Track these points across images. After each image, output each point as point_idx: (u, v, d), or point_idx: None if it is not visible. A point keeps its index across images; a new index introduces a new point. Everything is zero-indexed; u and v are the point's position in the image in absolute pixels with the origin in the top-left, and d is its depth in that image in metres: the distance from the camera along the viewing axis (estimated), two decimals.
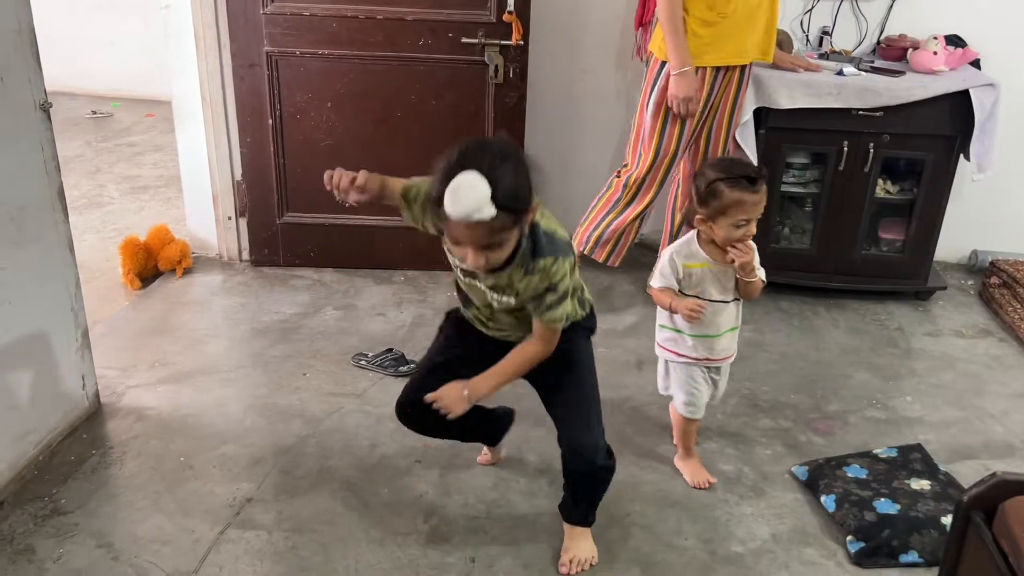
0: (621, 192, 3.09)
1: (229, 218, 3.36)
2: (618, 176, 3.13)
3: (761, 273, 2.13)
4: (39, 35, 2.09)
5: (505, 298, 1.81)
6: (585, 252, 3.20)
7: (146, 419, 2.45)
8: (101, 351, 2.61)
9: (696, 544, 2.08)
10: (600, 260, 3.21)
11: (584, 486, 1.99)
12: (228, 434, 2.40)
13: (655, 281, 2.19)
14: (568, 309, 1.81)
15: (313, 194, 3.30)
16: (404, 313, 3.15)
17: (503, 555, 2.02)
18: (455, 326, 2.07)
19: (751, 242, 2.07)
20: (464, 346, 2.01)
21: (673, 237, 3.23)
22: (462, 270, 1.84)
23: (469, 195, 1.52)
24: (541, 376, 1.95)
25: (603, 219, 3.15)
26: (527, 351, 1.85)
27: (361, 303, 3.21)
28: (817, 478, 2.26)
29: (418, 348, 2.87)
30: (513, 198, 1.58)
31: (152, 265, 3.27)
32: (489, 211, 1.54)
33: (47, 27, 2.13)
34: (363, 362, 2.79)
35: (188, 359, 2.76)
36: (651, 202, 3.08)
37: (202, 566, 1.94)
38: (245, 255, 3.42)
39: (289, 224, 3.35)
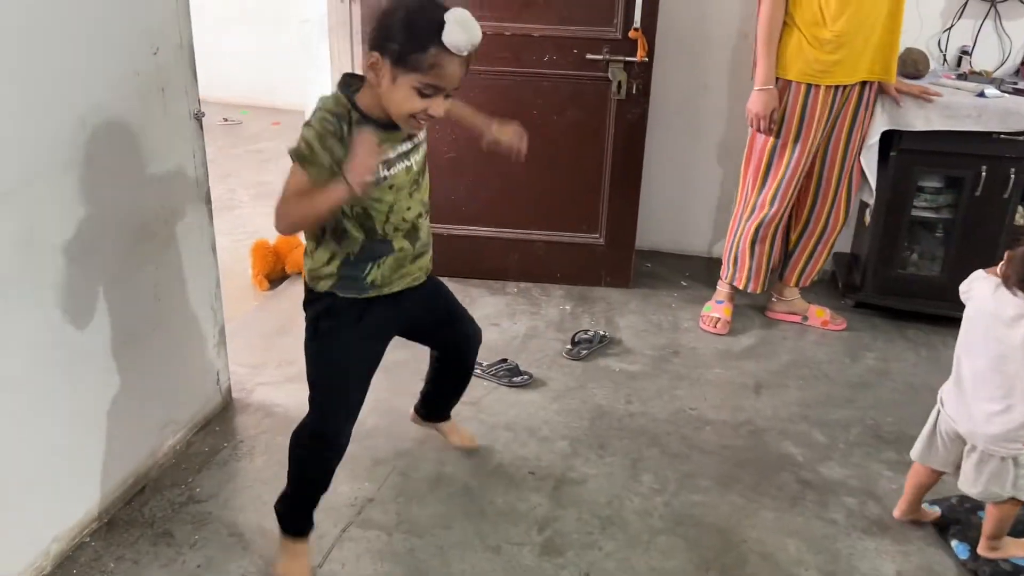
0: (740, 209, 3.07)
1: None
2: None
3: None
4: None
5: (421, 152, 1.84)
6: (729, 281, 3.19)
7: (274, 415, 2.56)
8: (232, 349, 2.73)
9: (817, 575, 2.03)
10: (741, 287, 3.16)
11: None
12: (354, 434, 2.47)
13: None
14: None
15: (434, 204, 3.38)
16: (518, 324, 3.18)
17: (617, 573, 2.01)
18: (355, 326, 1.85)
19: None
20: (377, 347, 1.98)
21: (785, 260, 3.18)
22: (386, 165, 1.72)
23: (473, 24, 1.60)
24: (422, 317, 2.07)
25: (732, 241, 3.14)
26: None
27: (476, 313, 3.21)
28: (949, 520, 2.16)
29: (531, 359, 2.91)
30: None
31: (280, 267, 3.42)
32: (479, 37, 1.61)
33: None
34: (478, 371, 2.83)
35: None
36: (770, 221, 3.00)
37: (326, 562, 2.01)
38: None
39: None
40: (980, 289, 1.94)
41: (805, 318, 3.21)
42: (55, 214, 1.83)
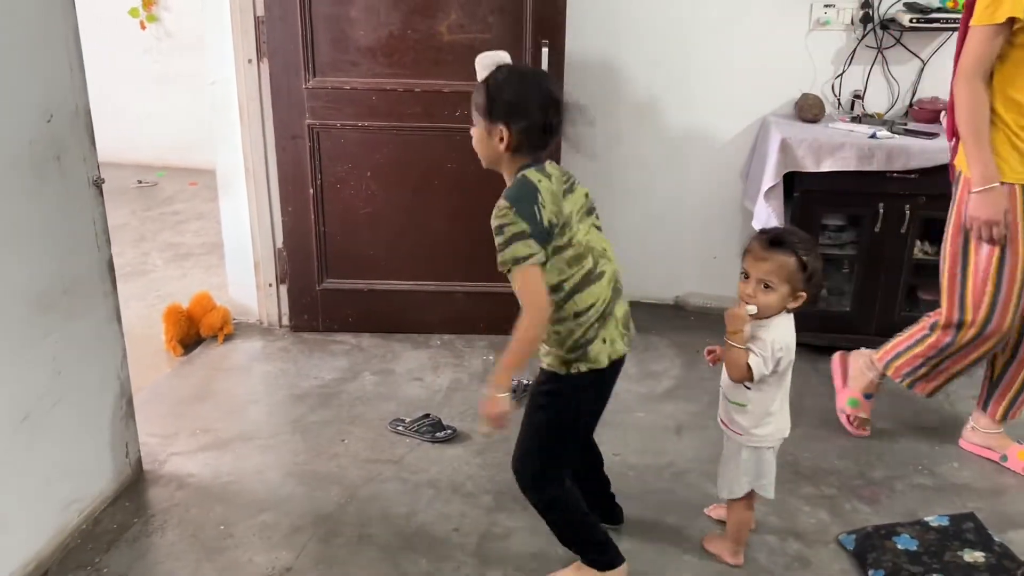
0: (952, 337, 2.51)
1: (270, 285, 3.43)
2: (930, 320, 2.62)
3: (753, 362, 1.98)
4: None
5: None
6: (901, 383, 2.71)
7: (187, 487, 2.47)
8: (144, 418, 2.64)
9: None
10: (923, 393, 2.70)
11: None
12: (267, 502, 2.41)
13: None
14: (516, 253, 1.80)
15: (352, 260, 3.38)
16: (441, 377, 3.16)
17: None
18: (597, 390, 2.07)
19: (741, 312, 1.99)
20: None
21: (990, 388, 2.70)
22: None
23: (491, 54, 1.86)
24: None
25: (928, 361, 2.61)
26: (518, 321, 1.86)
27: (399, 367, 3.23)
28: (865, 549, 2.20)
29: (454, 413, 2.88)
30: (496, 90, 1.82)
31: (194, 332, 3.34)
32: (487, 69, 1.85)
33: (93, 101, 2.21)
34: (400, 427, 2.80)
35: (229, 426, 2.79)
36: (999, 340, 2.49)
37: None
38: (285, 320, 3.47)
39: (328, 290, 3.40)
40: None
41: (1004, 457, 2.67)
42: None
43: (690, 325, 3.60)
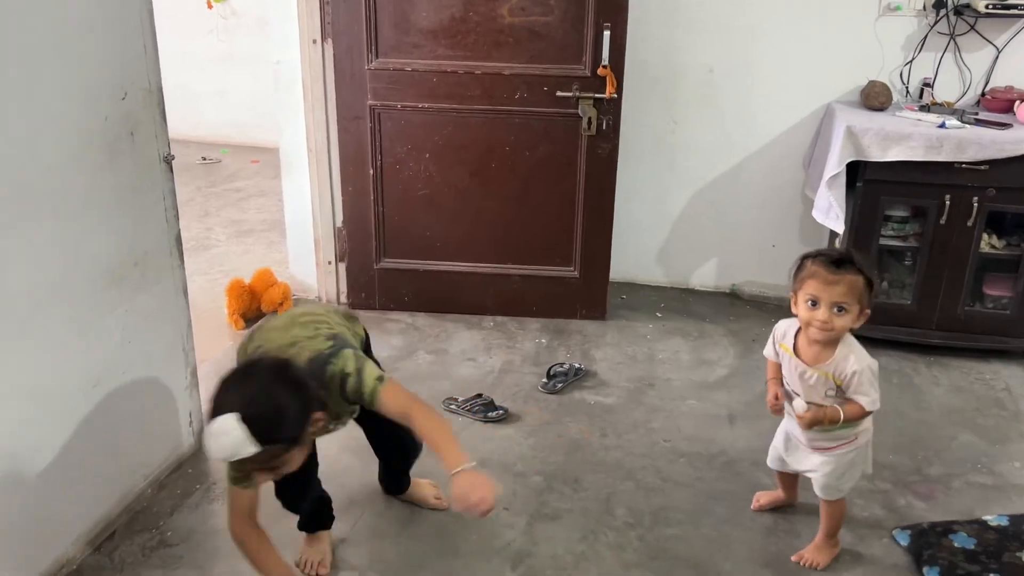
0: None
1: (329, 262, 3.49)
2: None
3: (869, 403, 1.96)
4: None
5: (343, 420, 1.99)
6: None
7: None
8: (206, 389, 2.72)
9: None
10: None
11: None
12: (323, 474, 2.45)
13: (765, 348, 2.16)
14: (372, 373, 1.79)
15: (409, 241, 3.42)
16: (493, 359, 3.19)
17: None
18: None
19: (814, 413, 1.96)
20: None
21: None
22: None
23: (223, 441, 1.57)
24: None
25: None
26: (422, 423, 1.81)
27: (452, 348, 3.27)
28: (921, 546, 2.17)
29: (507, 394, 2.91)
30: (275, 431, 1.61)
31: (256, 306, 3.42)
32: (250, 450, 1.57)
33: (164, 79, 2.27)
34: (453, 406, 2.84)
35: None
36: None
37: None
38: (343, 298, 3.54)
39: (386, 269, 3.46)
40: None
41: None
42: (23, 261, 1.83)
43: (746, 314, 3.57)
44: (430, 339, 3.32)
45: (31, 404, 1.90)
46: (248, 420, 1.56)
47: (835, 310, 1.90)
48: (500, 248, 3.41)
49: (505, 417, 2.79)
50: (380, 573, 2.10)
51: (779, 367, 2.10)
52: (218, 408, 1.60)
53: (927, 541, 2.18)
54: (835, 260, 1.91)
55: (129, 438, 2.26)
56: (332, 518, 2.20)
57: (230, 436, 1.56)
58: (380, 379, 1.79)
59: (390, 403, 1.78)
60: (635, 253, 3.74)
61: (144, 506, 2.30)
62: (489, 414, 2.78)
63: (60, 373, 1.98)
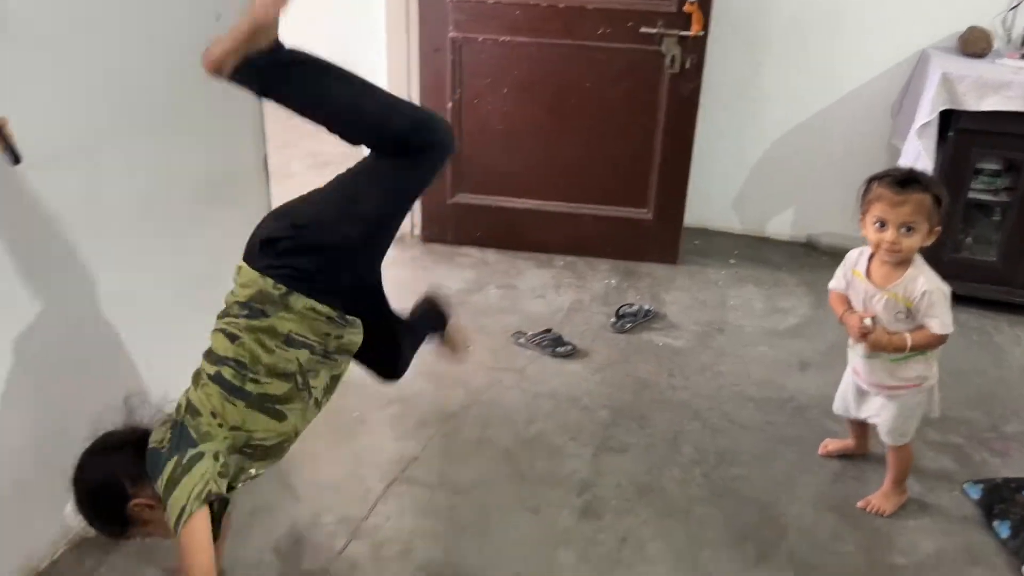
0: None
1: None
2: None
3: (940, 326, 1.95)
4: None
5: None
6: None
7: None
8: None
9: (855, 551, 2.03)
10: None
11: None
12: (397, 396, 2.54)
13: (832, 280, 2.13)
14: (181, 499, 1.48)
15: (484, 176, 3.43)
16: (562, 297, 3.21)
17: (654, 539, 2.04)
18: None
19: (879, 333, 1.95)
20: None
21: None
22: None
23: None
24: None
25: None
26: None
27: (522, 284, 3.30)
28: (992, 500, 2.14)
29: (575, 331, 2.94)
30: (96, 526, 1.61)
31: None
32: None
33: None
34: (522, 340, 2.87)
35: None
36: None
37: (371, 515, 2.08)
38: (416, 231, 3.59)
39: (459, 204, 3.48)
40: None
41: None
42: (120, 175, 1.91)
43: (821, 264, 3.49)
44: (500, 275, 3.36)
45: (123, 310, 1.98)
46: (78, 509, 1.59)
47: (903, 230, 1.89)
48: (574, 187, 3.41)
49: (573, 353, 2.81)
50: (449, 492, 2.17)
51: (845, 299, 2.08)
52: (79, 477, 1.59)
53: (999, 496, 2.15)
54: (900, 180, 1.89)
55: None
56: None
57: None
58: (183, 512, 1.46)
59: (181, 540, 1.47)
60: (710, 199, 3.69)
61: None
62: (557, 349, 2.81)
63: (154, 284, 2.06)
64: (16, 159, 1.61)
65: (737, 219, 3.78)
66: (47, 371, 1.83)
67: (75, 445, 1.59)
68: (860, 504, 2.17)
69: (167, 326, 2.13)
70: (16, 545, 1.84)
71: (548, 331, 2.90)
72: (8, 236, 1.68)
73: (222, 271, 2.29)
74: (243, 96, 2.28)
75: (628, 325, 2.98)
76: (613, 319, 3.01)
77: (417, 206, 3.54)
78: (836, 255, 3.56)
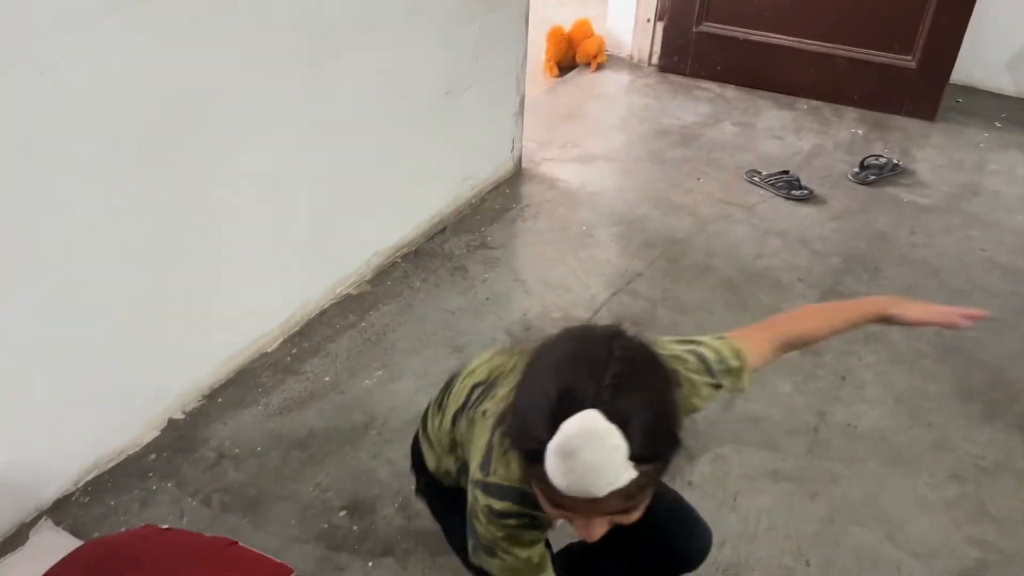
0: None
1: (648, 20, 3.45)
2: None
3: None
4: None
5: None
6: None
7: (556, 188, 2.73)
8: (522, 125, 2.91)
9: None
10: None
11: None
12: (625, 217, 2.61)
13: None
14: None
15: (733, 5, 3.27)
16: (802, 140, 3.08)
17: (874, 383, 2.03)
18: None
19: None
20: None
21: None
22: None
23: (593, 462, 0.86)
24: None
25: None
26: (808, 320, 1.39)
27: (760, 123, 3.19)
28: None
29: (813, 176, 2.84)
30: (657, 441, 0.91)
31: (571, 55, 3.50)
32: (627, 476, 0.87)
33: None
34: (756, 179, 2.82)
35: (595, 145, 2.99)
36: None
37: (594, 317, 2.20)
38: (654, 60, 3.52)
39: (703, 34, 3.36)
40: None
41: None
42: None
43: None
44: (737, 112, 3.26)
45: (390, 96, 2.12)
46: (624, 422, 0.87)
47: None
48: (831, 25, 3.17)
49: (809, 197, 2.73)
50: (671, 309, 2.24)
51: None
52: (572, 398, 0.88)
53: None
54: None
55: (463, 149, 2.50)
56: None
57: (604, 450, 0.86)
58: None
59: (754, 349, 1.22)
60: (983, 53, 3.33)
61: (469, 212, 2.57)
62: (793, 192, 2.74)
63: (420, 77, 2.18)
64: None
65: (1011, 80, 3.40)
66: None
67: None
68: None
69: (426, 124, 2.26)
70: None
71: (785, 172, 2.81)
72: None
73: (477, 72, 2.37)
74: None
75: (872, 177, 2.83)
76: (856, 169, 2.87)
77: (659, 33, 3.45)
78: None
